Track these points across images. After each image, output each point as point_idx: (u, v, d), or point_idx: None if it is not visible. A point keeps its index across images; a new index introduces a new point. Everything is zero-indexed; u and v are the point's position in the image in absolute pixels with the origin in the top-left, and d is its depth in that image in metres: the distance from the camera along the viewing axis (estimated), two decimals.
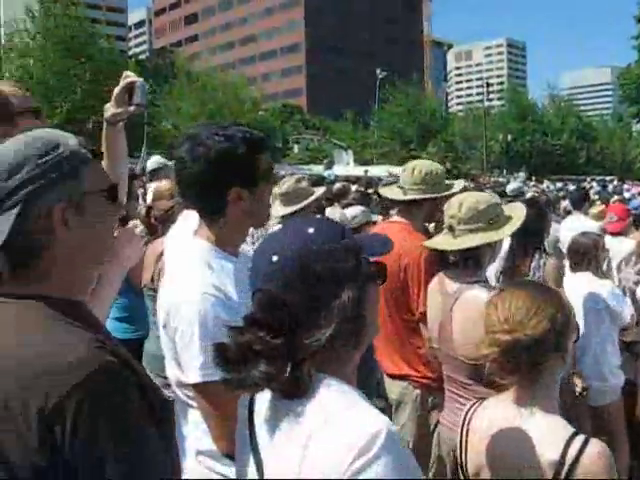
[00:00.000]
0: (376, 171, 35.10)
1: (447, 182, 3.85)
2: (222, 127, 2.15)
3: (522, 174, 50.40)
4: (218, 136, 2.09)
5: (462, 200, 3.11)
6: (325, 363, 1.40)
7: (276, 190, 4.53)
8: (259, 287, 1.42)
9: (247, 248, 2.44)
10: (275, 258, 1.40)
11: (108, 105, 2.58)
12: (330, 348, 1.37)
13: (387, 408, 3.86)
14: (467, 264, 3.12)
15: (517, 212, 3.27)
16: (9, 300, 1.40)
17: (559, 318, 2.00)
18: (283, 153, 55.09)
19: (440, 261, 3.28)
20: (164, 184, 4.71)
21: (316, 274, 1.38)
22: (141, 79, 2.55)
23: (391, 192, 3.91)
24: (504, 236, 3.25)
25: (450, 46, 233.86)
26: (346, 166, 41.16)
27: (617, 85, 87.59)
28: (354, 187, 14.23)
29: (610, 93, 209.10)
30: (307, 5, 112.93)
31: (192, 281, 2.09)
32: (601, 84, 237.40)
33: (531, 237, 4.35)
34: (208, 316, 2.01)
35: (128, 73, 2.61)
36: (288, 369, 1.35)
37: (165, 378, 3.72)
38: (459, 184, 3.95)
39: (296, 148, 55.83)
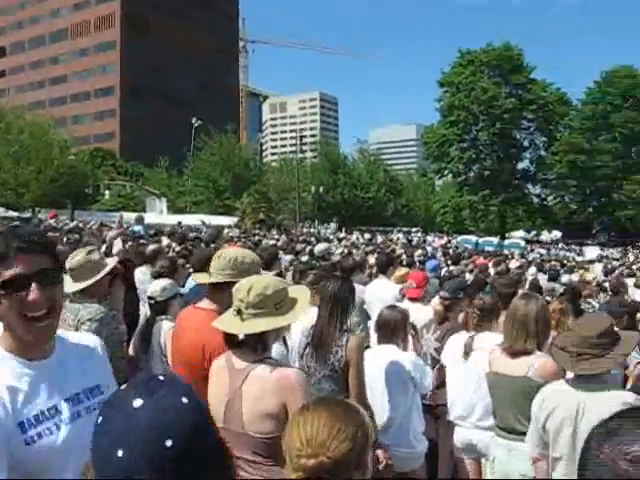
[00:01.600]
0: (190, 220, 34.96)
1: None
2: None
3: (333, 225, 52.14)
4: None
5: (251, 284, 3.16)
6: None
7: (66, 264, 4.36)
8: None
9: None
10: (170, 442, 1.29)
11: None
12: None
13: None
14: (255, 347, 3.16)
15: (302, 295, 3.39)
16: None
17: (359, 437, 2.02)
18: (94, 199, 53.52)
19: (227, 340, 3.26)
20: None
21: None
22: None
23: (200, 277, 3.90)
24: (291, 321, 3.33)
25: (265, 97, 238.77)
26: (159, 214, 40.77)
27: (421, 142, 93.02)
28: (166, 242, 14.04)
29: (415, 149, 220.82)
30: (122, 49, 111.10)
31: None
32: (407, 140, 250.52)
33: (340, 314, 4.43)
34: None
35: None
36: None
37: None
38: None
39: (107, 194, 54.54)
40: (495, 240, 52.61)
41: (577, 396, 3.66)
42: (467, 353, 5.10)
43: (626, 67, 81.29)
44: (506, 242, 52.96)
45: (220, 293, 3.69)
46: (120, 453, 1.26)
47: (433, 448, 5.40)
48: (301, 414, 2.11)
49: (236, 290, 3.20)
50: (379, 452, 4.53)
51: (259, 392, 3.05)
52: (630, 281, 15.39)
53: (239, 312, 3.15)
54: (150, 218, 32.00)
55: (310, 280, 6.35)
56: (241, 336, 3.22)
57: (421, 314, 6.47)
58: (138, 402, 1.31)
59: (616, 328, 5.51)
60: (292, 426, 2.08)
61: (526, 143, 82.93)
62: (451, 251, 26.29)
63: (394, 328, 4.96)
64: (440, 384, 5.60)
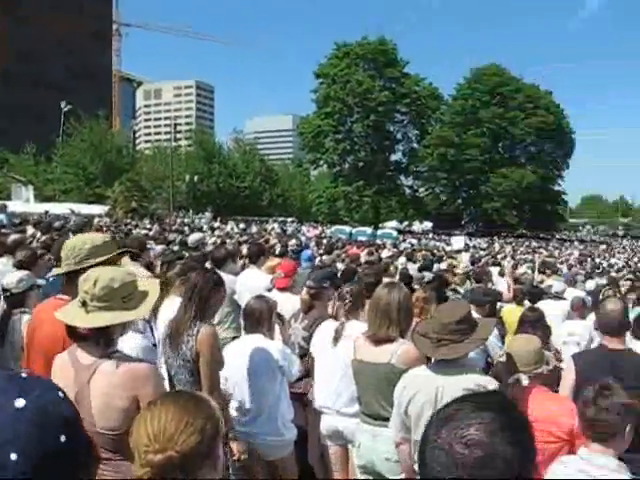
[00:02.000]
0: (58, 209, 33.86)
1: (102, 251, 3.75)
2: None
3: (208, 214, 51.66)
4: None
5: (98, 276, 3.07)
6: None
7: None
8: None
9: None
10: (63, 438, 1.27)
11: None
12: None
13: None
14: (98, 341, 3.07)
15: (152, 287, 3.33)
16: None
17: (208, 429, 2.00)
18: None
19: (70, 333, 3.16)
20: None
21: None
22: None
23: (57, 269, 3.77)
24: (138, 316, 3.30)
25: (140, 83, 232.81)
26: (26, 203, 39.21)
27: (297, 132, 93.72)
28: (31, 231, 13.51)
29: (291, 139, 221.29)
30: None
31: None
32: (283, 130, 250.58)
33: (197, 304, 4.40)
34: None
35: None
36: None
37: None
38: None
39: None
40: (369, 230, 53.59)
41: (436, 381, 3.78)
42: (337, 339, 5.16)
43: (494, 65, 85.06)
44: (379, 232, 54.04)
45: (71, 284, 3.57)
46: (14, 457, 1.21)
47: (303, 435, 5.45)
48: (148, 409, 2.08)
49: (82, 281, 3.10)
50: (234, 445, 4.54)
51: (107, 387, 2.98)
52: (495, 270, 15.99)
53: (84, 304, 3.05)
54: (15, 206, 30.91)
55: (177, 271, 6.27)
56: (85, 329, 3.11)
57: (289, 304, 6.53)
58: (20, 402, 1.26)
59: (479, 315, 5.76)
60: (139, 422, 2.04)
61: (399, 136, 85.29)
62: (325, 241, 26.56)
63: (259, 317, 4.96)
64: (310, 372, 5.65)
